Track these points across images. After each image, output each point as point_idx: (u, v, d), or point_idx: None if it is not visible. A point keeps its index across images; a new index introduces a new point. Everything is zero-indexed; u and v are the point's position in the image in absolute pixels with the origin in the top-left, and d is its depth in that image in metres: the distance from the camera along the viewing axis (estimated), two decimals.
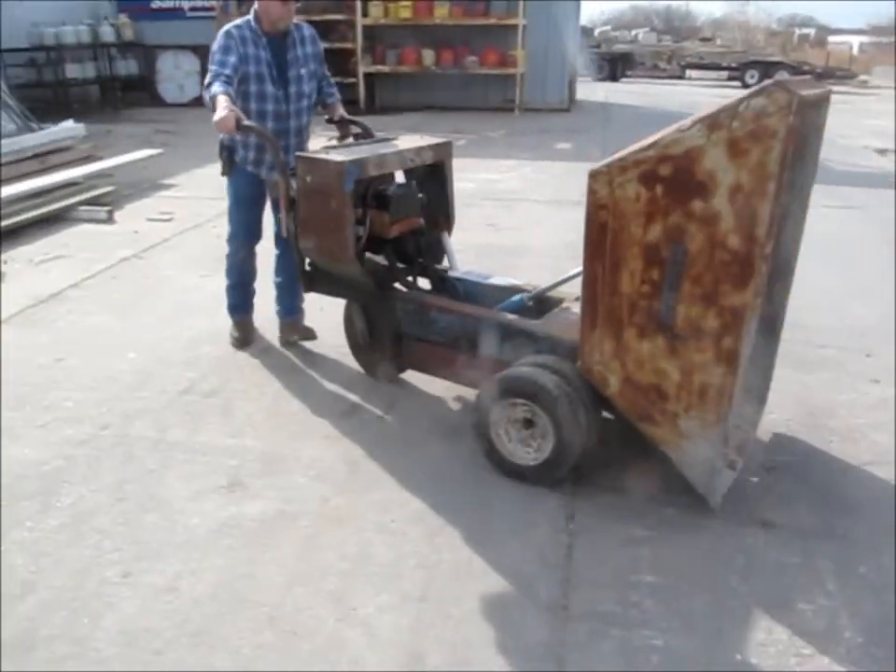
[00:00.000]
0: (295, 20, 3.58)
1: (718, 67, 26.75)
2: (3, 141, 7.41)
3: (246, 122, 3.18)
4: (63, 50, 14.09)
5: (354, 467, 2.88)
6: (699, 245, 2.21)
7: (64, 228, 6.29)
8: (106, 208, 6.58)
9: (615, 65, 26.48)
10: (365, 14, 13.83)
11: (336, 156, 3.01)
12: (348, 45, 13.95)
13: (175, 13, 15.59)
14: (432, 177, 3.51)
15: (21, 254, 5.60)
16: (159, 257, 5.54)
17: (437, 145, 3.44)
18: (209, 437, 3.07)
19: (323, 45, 3.80)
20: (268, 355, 3.86)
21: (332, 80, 3.88)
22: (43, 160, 7.68)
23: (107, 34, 14.79)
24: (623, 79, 26.37)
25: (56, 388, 3.50)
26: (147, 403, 3.36)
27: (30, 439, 3.07)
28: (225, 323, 4.12)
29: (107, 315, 4.40)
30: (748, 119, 2.05)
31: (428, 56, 13.96)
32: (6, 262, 5.41)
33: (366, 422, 3.22)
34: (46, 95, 14.23)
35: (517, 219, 6.59)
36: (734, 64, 25.85)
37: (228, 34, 3.43)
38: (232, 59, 3.37)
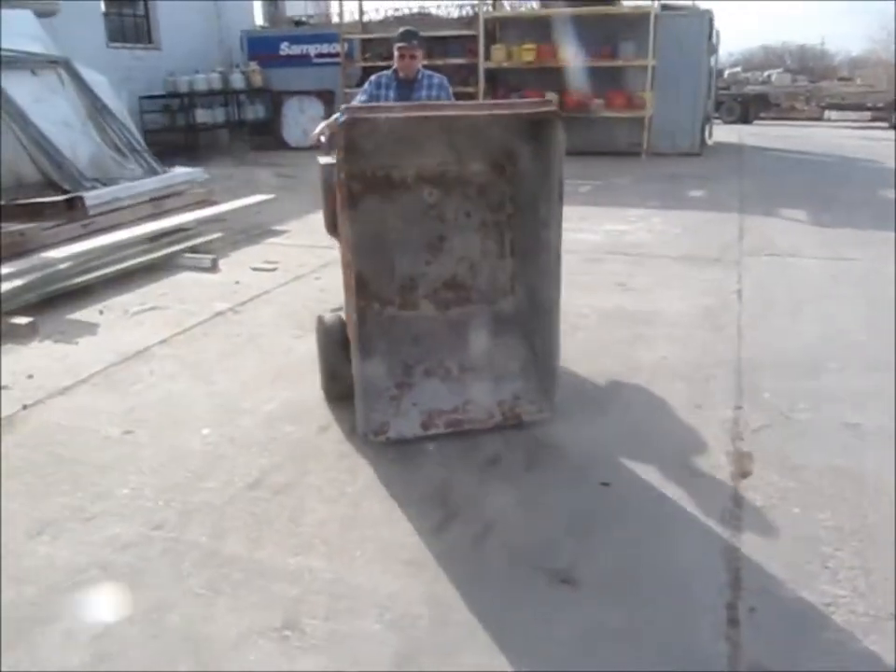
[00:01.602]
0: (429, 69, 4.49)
1: (861, 108, 24.95)
2: (122, 185, 7.42)
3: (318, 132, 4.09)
4: (195, 97, 14.56)
5: (441, 612, 2.25)
6: None
7: (168, 275, 6.09)
8: (211, 256, 6.34)
9: (747, 107, 25.16)
10: (487, 58, 13.54)
11: None
12: (469, 89, 13.68)
13: (302, 60, 15.87)
14: None
15: (119, 304, 5.38)
16: (255, 311, 5.18)
17: None
18: (270, 552, 2.54)
19: None
20: (358, 438, 3.32)
21: None
22: (158, 204, 7.65)
23: (237, 80, 15.20)
24: (756, 122, 25.01)
25: (116, 470, 3.09)
26: (209, 497, 2.88)
27: (71, 536, 2.64)
28: (311, 394, 3.65)
29: (189, 380, 4.02)
30: None
31: (552, 99, 13.46)
32: (101, 312, 5.20)
33: (461, 544, 2.59)
34: (178, 139, 14.74)
35: (647, 278, 5.85)
36: (879, 104, 24.02)
37: (370, 80, 4.45)
38: (363, 98, 4.40)
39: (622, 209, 8.58)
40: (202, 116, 14.49)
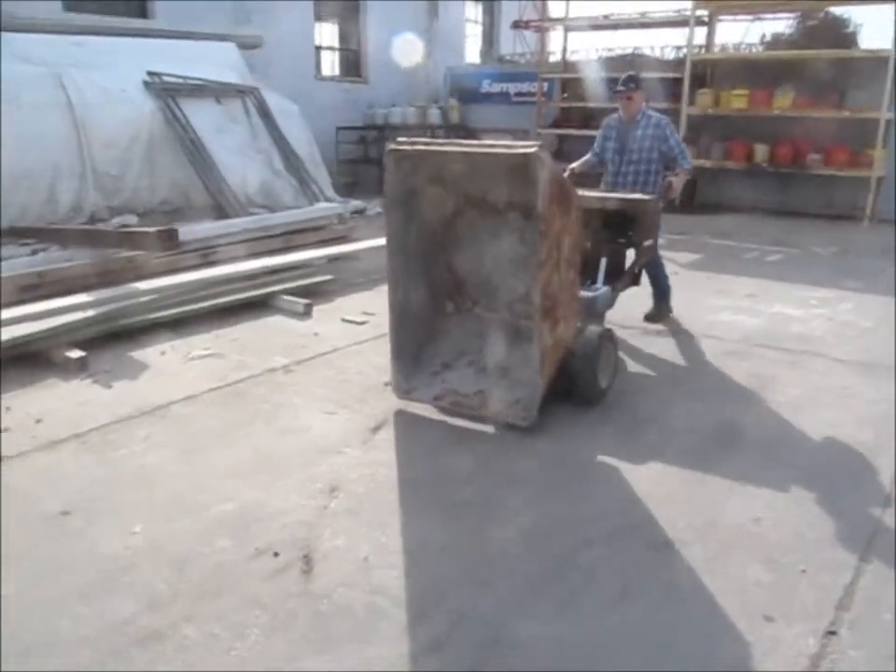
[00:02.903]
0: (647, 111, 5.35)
1: None
2: (250, 218, 7.34)
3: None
4: (389, 129, 14.69)
5: None
6: None
7: (258, 317, 5.77)
8: (305, 301, 5.95)
9: None
10: (692, 103, 12.31)
11: None
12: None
13: (501, 97, 15.52)
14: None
15: (187, 344, 5.12)
16: (308, 373, 4.65)
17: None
18: None
19: None
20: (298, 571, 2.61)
21: (686, 154, 5.36)
22: (288, 238, 7.47)
23: (434, 116, 15.14)
24: None
25: (10, 563, 2.63)
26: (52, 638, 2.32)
27: None
28: (281, 497, 3.01)
29: (175, 453, 3.54)
30: None
31: (761, 151, 11.94)
32: (163, 353, 4.94)
33: None
34: (372, 172, 14.94)
35: (796, 387, 4.57)
36: None
37: (602, 123, 5.53)
38: (598, 137, 5.50)
39: (807, 288, 7.11)
40: None
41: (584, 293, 4.39)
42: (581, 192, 4.29)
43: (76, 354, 4.62)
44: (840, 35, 12.19)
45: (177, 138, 9.23)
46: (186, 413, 4.01)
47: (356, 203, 11.66)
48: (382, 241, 7.82)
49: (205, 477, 3.30)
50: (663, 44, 15.01)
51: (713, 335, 5.56)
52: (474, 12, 20.12)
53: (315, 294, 6.42)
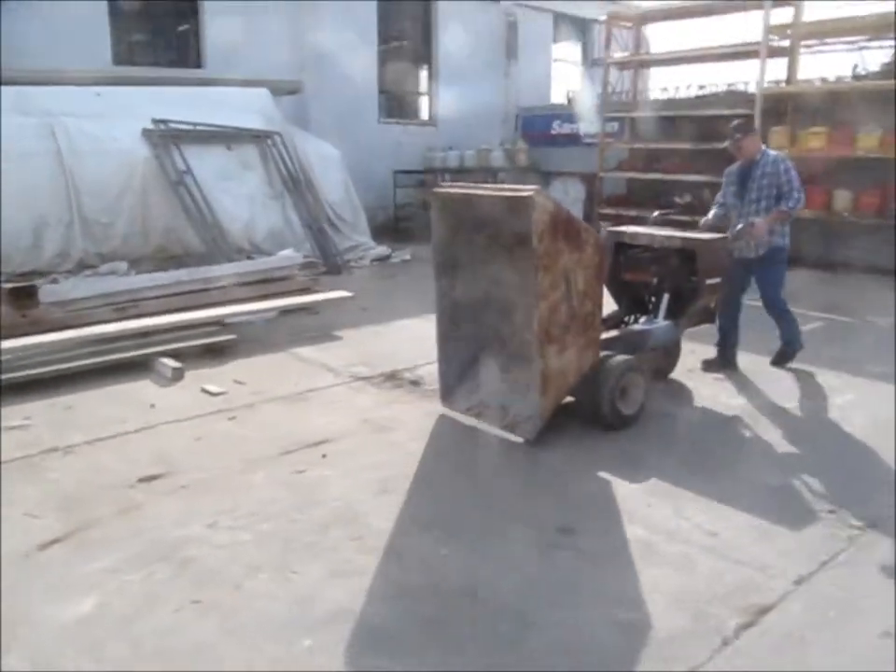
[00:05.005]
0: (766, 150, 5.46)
1: None
2: (184, 271, 6.94)
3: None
4: (449, 173, 14.11)
5: None
6: None
7: (114, 382, 5.24)
8: (175, 365, 5.39)
9: None
10: (764, 142, 10.80)
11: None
12: None
13: (571, 139, 14.55)
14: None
15: (19, 412, 4.66)
16: (77, 459, 4.03)
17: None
18: None
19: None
20: None
21: (797, 187, 5.20)
22: (229, 291, 7.00)
23: (497, 158, 14.39)
24: None
25: None
26: None
27: None
28: None
29: None
30: None
31: (842, 198, 10.26)
32: None
33: None
34: (425, 216, 14.40)
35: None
36: None
37: (725, 172, 5.61)
38: (722, 189, 5.60)
39: (828, 371, 5.63)
40: None
41: (639, 327, 4.99)
42: (634, 230, 5.32)
43: None
44: None
45: (172, 185, 9.11)
46: None
47: (379, 251, 11.16)
48: (341, 294, 7.34)
49: None
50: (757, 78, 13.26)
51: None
52: (573, 52, 19.37)
53: (222, 353, 5.89)
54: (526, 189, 3.89)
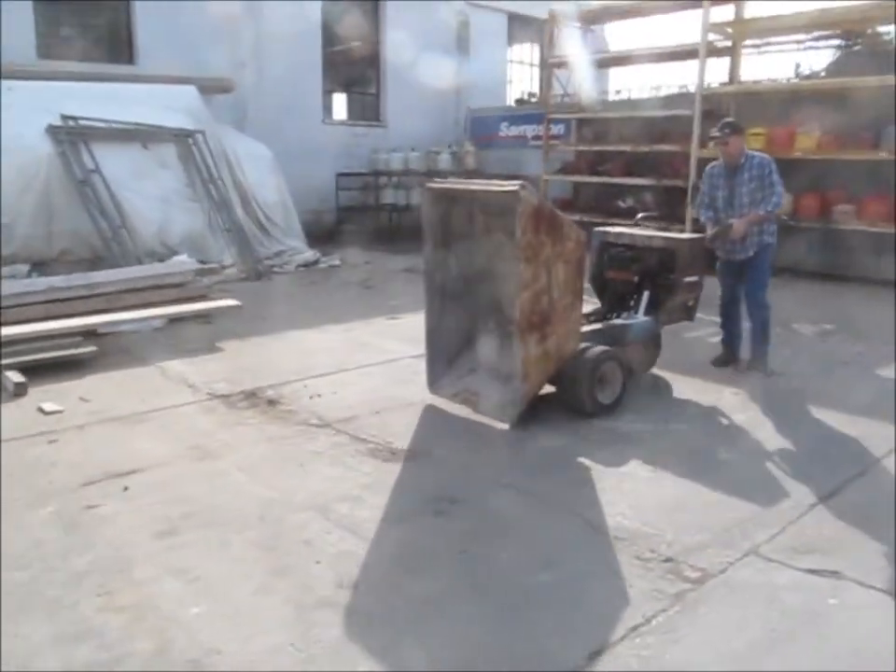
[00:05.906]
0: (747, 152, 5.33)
1: None
2: (62, 277, 6.50)
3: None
4: (392, 176, 13.73)
5: None
6: None
7: None
8: (18, 379, 4.96)
9: None
10: (703, 145, 10.48)
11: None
12: (679, 182, 10.75)
13: (518, 141, 14.20)
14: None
15: None
16: None
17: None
18: None
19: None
20: None
21: (778, 191, 5.21)
22: (113, 298, 6.57)
23: (444, 161, 14.00)
24: None
25: None
26: None
27: None
28: None
29: None
30: None
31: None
32: None
33: None
34: (368, 219, 13.98)
35: None
36: None
37: (705, 171, 5.57)
38: (706, 188, 5.50)
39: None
40: (389, 196, 13.58)
41: (619, 321, 5.11)
42: (618, 230, 5.59)
43: None
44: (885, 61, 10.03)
45: (77, 185, 8.66)
46: None
47: (306, 256, 10.75)
48: (227, 303, 6.93)
49: None
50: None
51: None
52: (529, 54, 19.02)
53: (82, 366, 5.46)
54: (512, 185, 4.07)
